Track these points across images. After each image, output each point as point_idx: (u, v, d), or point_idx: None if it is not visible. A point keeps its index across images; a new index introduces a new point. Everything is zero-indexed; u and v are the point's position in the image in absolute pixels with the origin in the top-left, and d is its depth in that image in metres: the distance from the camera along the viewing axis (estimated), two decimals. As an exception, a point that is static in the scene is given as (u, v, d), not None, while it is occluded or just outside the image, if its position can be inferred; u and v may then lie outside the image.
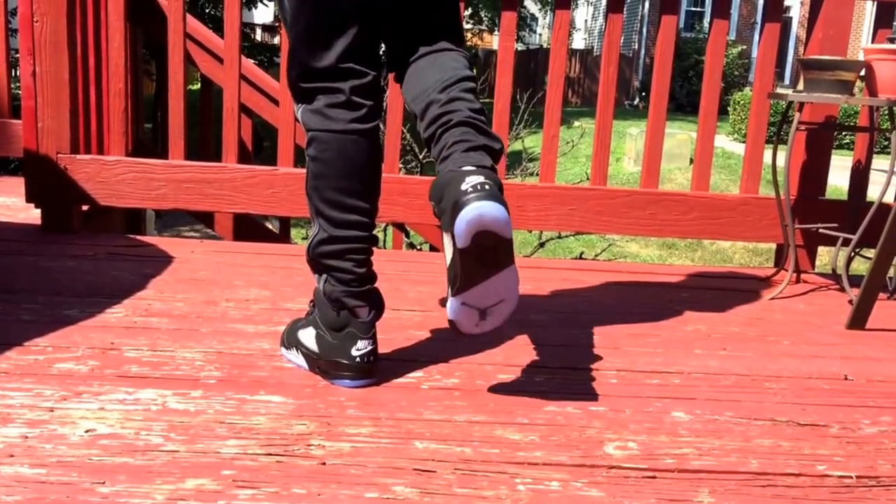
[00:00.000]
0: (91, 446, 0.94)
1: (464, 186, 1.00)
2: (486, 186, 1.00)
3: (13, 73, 2.97)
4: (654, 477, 0.96)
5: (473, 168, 1.03)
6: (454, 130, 1.08)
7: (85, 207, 2.07)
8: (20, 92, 1.91)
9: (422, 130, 1.14)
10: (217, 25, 2.28)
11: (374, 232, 1.21)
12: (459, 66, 1.15)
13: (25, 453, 0.92)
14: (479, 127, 1.09)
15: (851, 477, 0.99)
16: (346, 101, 1.15)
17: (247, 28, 15.84)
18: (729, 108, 11.97)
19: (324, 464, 0.94)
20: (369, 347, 1.18)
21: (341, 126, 1.15)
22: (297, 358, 1.24)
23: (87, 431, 0.97)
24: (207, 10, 12.57)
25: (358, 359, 1.17)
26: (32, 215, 2.05)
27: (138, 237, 2.13)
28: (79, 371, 1.15)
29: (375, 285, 1.21)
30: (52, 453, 0.92)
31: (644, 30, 16.97)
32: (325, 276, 1.19)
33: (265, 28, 17.55)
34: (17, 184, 2.23)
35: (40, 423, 0.99)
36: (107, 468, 0.90)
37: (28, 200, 1.97)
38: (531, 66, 16.52)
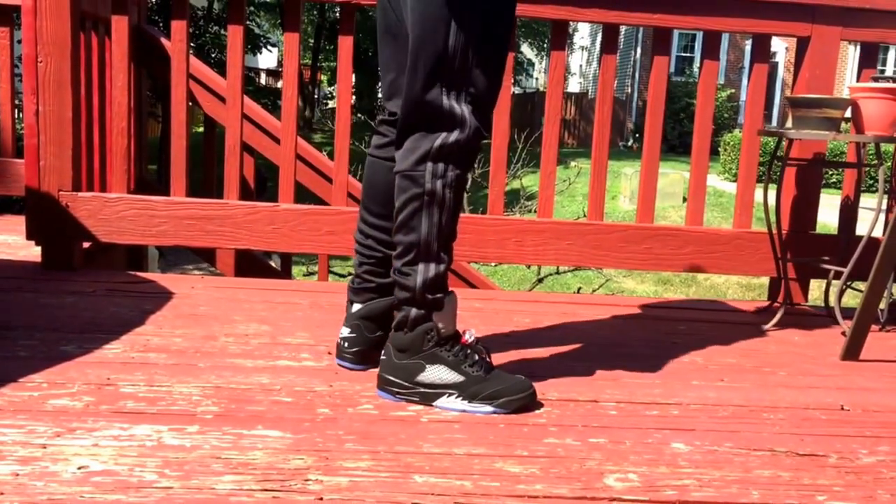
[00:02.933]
0: (83, 483, 0.93)
1: None
2: None
3: (18, 115, 3.02)
4: (654, 508, 0.95)
5: None
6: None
7: (86, 245, 2.08)
8: (24, 132, 1.94)
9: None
10: (222, 70, 2.34)
11: (377, 251, 1.39)
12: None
13: (16, 491, 0.90)
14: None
15: (852, 507, 0.98)
16: (376, 130, 1.40)
17: (251, 72, 16.19)
18: (719, 149, 12.17)
19: (321, 499, 0.93)
20: (343, 334, 1.40)
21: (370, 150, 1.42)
22: None
23: (79, 468, 0.96)
24: (213, 55, 12.88)
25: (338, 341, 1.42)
26: (33, 253, 2.06)
27: (139, 273, 2.14)
28: (73, 407, 1.14)
29: (378, 295, 1.39)
30: (44, 491, 0.91)
31: (636, 74, 17.33)
32: None
33: (269, 73, 17.96)
34: (19, 222, 2.24)
35: (32, 459, 0.98)
36: (99, 505, 0.88)
37: (29, 238, 1.98)
38: (528, 108, 16.82)
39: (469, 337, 1.27)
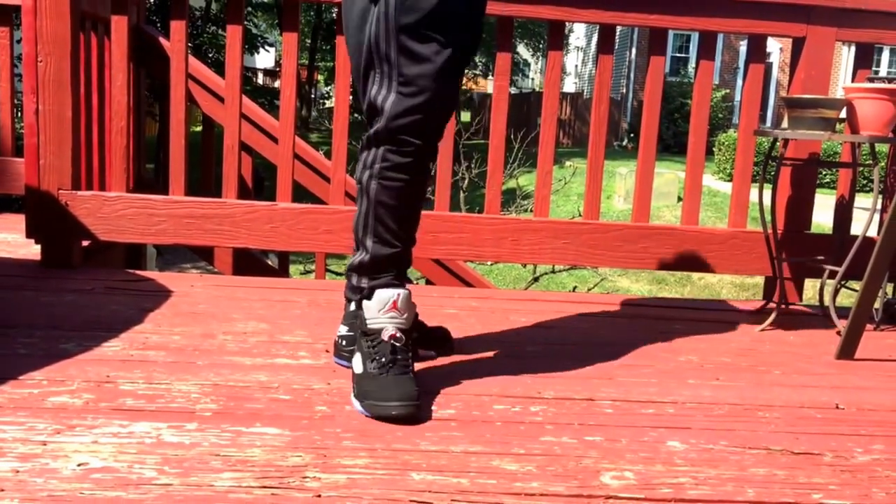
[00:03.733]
0: (83, 480, 0.93)
1: None
2: None
3: (17, 115, 3.02)
4: (650, 505, 0.96)
5: None
6: None
7: (85, 243, 2.08)
8: (24, 131, 1.94)
9: None
10: (219, 70, 2.37)
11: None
12: None
13: (16, 488, 0.91)
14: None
15: (846, 504, 0.99)
16: None
17: (248, 72, 16.20)
18: (714, 149, 12.20)
19: (319, 496, 0.93)
20: (340, 332, 1.40)
21: None
22: None
23: (79, 465, 0.97)
24: (210, 55, 12.88)
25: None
26: (32, 251, 2.06)
27: (138, 272, 2.14)
28: (73, 404, 1.15)
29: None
30: (44, 487, 0.91)
31: (632, 74, 17.35)
32: None
33: (266, 72, 17.99)
34: (18, 221, 2.25)
35: (32, 456, 0.99)
36: (98, 502, 0.89)
37: (28, 236, 1.99)
38: (524, 108, 16.84)
39: (385, 334, 1.23)
